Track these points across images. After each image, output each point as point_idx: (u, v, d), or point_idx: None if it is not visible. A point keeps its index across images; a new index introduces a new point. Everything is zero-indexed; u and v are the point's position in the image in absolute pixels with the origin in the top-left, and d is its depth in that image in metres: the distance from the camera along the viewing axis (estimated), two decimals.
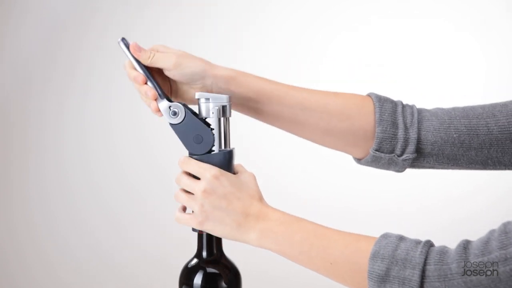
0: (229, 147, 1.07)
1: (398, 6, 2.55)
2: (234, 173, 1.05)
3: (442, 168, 1.15)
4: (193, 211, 1.03)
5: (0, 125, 2.68)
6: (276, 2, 2.63)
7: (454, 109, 1.14)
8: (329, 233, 0.99)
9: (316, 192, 2.57)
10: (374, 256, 0.94)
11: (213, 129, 1.05)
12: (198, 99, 1.06)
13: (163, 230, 2.57)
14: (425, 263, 0.92)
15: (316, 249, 0.97)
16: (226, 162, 1.04)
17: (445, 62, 2.55)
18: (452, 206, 2.54)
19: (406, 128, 1.12)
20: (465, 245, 0.91)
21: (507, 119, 1.10)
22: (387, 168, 1.15)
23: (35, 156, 2.69)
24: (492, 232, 0.91)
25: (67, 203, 2.67)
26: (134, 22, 2.65)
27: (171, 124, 1.05)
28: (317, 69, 2.60)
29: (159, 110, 1.06)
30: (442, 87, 2.54)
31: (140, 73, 1.08)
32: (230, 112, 1.06)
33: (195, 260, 1.07)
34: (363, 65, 2.57)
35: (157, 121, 2.73)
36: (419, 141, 1.12)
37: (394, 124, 1.12)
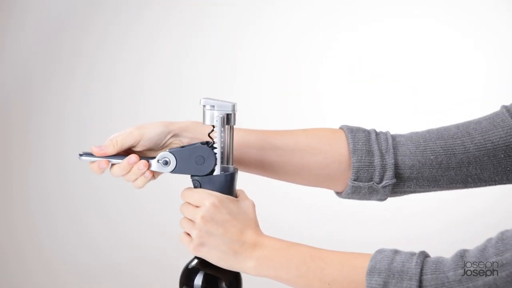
0: (232, 163, 1.06)
1: (398, 7, 2.55)
2: (236, 196, 1.06)
3: (423, 191, 1.15)
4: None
5: (0, 125, 2.68)
6: (276, 3, 2.62)
7: (428, 131, 1.14)
8: (324, 254, 0.99)
9: (313, 196, 2.57)
10: (371, 271, 0.95)
11: (214, 147, 1.05)
12: (204, 105, 1.05)
13: (163, 230, 2.57)
14: (421, 273, 0.92)
15: (313, 271, 0.98)
16: (227, 184, 1.04)
17: (445, 63, 2.55)
18: (448, 209, 2.54)
19: (382, 155, 1.12)
20: (462, 254, 0.92)
21: (482, 136, 1.10)
22: (369, 198, 1.15)
23: (35, 156, 2.69)
24: (489, 240, 0.92)
25: (67, 203, 2.67)
26: (134, 22, 2.65)
27: (173, 172, 1.06)
28: (317, 69, 2.60)
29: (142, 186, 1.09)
30: (442, 87, 2.54)
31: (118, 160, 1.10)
32: (234, 120, 1.06)
33: (195, 261, 1.07)
34: (362, 66, 2.57)
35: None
36: (396, 166, 1.12)
37: (369, 152, 1.12)
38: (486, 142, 1.10)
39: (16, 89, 2.67)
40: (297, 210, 2.57)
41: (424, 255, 0.95)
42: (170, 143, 1.10)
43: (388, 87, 2.56)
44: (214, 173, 1.05)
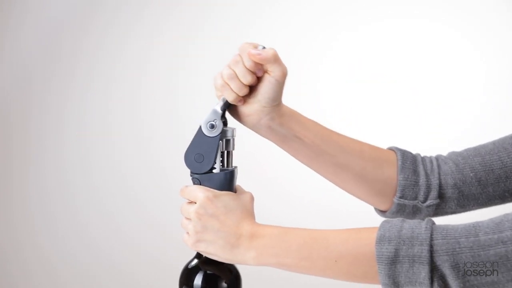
0: (232, 165, 1.06)
1: (398, 7, 2.55)
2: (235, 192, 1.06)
3: (463, 211, 1.18)
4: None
5: (0, 125, 2.68)
6: (276, 3, 2.63)
7: (466, 150, 1.18)
8: (325, 233, 0.99)
9: (314, 191, 2.57)
10: (381, 240, 0.94)
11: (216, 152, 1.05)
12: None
13: (163, 230, 2.57)
14: (432, 238, 0.92)
15: (317, 251, 0.98)
16: (226, 182, 1.05)
17: (445, 63, 2.55)
18: None
19: (427, 175, 1.15)
20: (475, 224, 0.92)
21: None
22: (412, 218, 1.17)
23: (35, 156, 2.69)
24: (506, 215, 0.92)
25: (67, 203, 2.67)
26: (134, 22, 2.65)
27: (200, 129, 1.05)
28: (317, 70, 2.60)
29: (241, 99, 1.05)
30: (442, 87, 2.54)
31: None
32: (233, 145, 1.07)
33: (195, 261, 1.07)
34: (362, 66, 2.57)
35: (157, 121, 2.74)
36: (440, 186, 1.15)
37: (416, 172, 1.16)
38: None
39: (16, 89, 2.67)
40: (296, 210, 2.57)
41: (432, 222, 0.95)
42: (260, 112, 1.08)
43: (388, 87, 2.56)
44: (214, 171, 1.05)
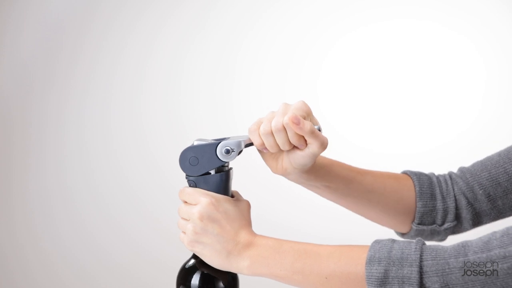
0: (227, 167, 1.07)
1: (397, 7, 2.55)
2: (231, 196, 1.05)
3: (477, 227, 1.21)
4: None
5: (0, 126, 2.68)
6: (276, 5, 2.62)
7: (473, 165, 1.20)
8: (319, 249, 1.00)
9: (311, 195, 2.57)
10: (371, 260, 0.94)
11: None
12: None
13: (163, 230, 2.57)
14: (421, 259, 0.92)
15: (310, 266, 0.98)
16: (223, 183, 1.04)
17: (445, 63, 2.55)
18: None
19: (443, 199, 1.18)
20: (464, 244, 0.92)
21: None
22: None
23: (35, 156, 2.69)
24: (493, 233, 0.93)
25: (67, 203, 2.67)
26: (134, 22, 2.65)
27: (214, 145, 1.04)
28: (317, 71, 2.60)
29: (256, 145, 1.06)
30: (442, 87, 2.54)
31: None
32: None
33: (192, 261, 1.07)
34: (362, 68, 2.57)
35: (157, 122, 2.74)
36: (456, 208, 1.18)
37: (433, 196, 1.18)
38: None
39: (16, 89, 2.67)
40: (294, 210, 2.57)
41: (422, 242, 0.95)
42: (295, 168, 1.09)
43: (388, 88, 2.56)
44: (209, 173, 1.05)
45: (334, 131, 2.52)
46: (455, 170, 1.23)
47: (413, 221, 1.18)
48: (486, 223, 1.19)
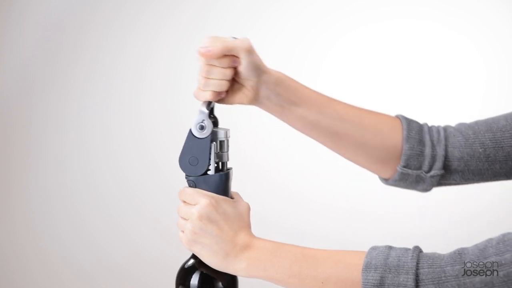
0: (227, 167, 1.07)
1: (397, 7, 2.55)
2: (231, 197, 1.05)
3: (467, 183, 1.17)
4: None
5: (0, 126, 2.68)
6: (276, 5, 2.62)
7: (476, 123, 1.16)
8: (317, 253, 0.99)
9: (313, 193, 2.57)
10: (367, 267, 0.94)
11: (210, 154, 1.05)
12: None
13: (164, 230, 2.57)
14: (417, 267, 0.92)
15: (306, 270, 0.98)
16: (222, 184, 1.04)
17: (445, 63, 2.55)
18: (447, 209, 2.54)
19: (433, 146, 1.14)
20: (460, 251, 0.92)
21: None
22: (414, 187, 1.17)
23: (35, 156, 2.69)
24: (489, 240, 0.92)
25: (67, 203, 2.67)
26: (134, 22, 2.65)
27: (190, 133, 1.05)
28: (317, 71, 2.60)
29: (200, 100, 1.05)
30: (442, 88, 2.54)
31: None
32: (227, 147, 1.07)
33: (191, 261, 1.07)
34: (362, 68, 2.57)
35: (157, 122, 2.73)
36: (446, 157, 1.14)
37: (421, 142, 1.14)
38: None
39: (16, 89, 2.67)
40: (293, 209, 2.57)
41: (419, 250, 0.95)
42: (249, 86, 1.08)
43: (388, 88, 2.56)
44: (209, 173, 1.05)
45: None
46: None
47: (397, 164, 1.15)
48: (478, 182, 1.16)
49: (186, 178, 1.06)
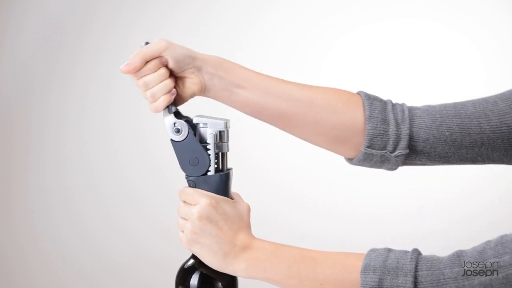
0: (227, 168, 1.07)
1: (397, 7, 2.55)
2: (231, 198, 1.05)
3: (432, 165, 1.15)
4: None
5: (0, 126, 2.68)
6: (276, 5, 2.62)
7: (445, 107, 1.14)
8: (316, 255, 0.99)
9: (312, 193, 2.57)
10: (366, 269, 0.94)
11: (210, 154, 1.05)
12: (197, 123, 1.06)
13: (163, 230, 2.57)
14: (416, 269, 0.92)
15: (305, 271, 0.98)
16: (222, 184, 1.04)
17: (445, 63, 2.54)
18: (446, 209, 2.54)
19: (397, 124, 1.11)
20: (459, 254, 0.92)
21: (499, 119, 1.10)
22: (380, 167, 1.14)
23: (35, 156, 2.69)
24: (488, 242, 0.92)
25: (67, 203, 2.67)
26: (134, 22, 2.65)
27: (172, 141, 1.06)
28: (317, 71, 2.59)
29: (159, 110, 1.06)
30: (442, 88, 2.54)
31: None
32: (227, 137, 1.06)
33: (191, 261, 1.07)
34: (362, 68, 2.57)
35: (157, 122, 2.73)
36: (411, 137, 1.12)
37: (385, 121, 1.12)
38: (502, 125, 1.10)
39: (16, 89, 2.67)
40: (291, 208, 2.57)
41: (417, 252, 0.95)
42: (189, 75, 1.09)
43: (388, 87, 2.56)
44: (209, 174, 1.05)
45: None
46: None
47: (361, 143, 1.12)
48: (444, 164, 1.14)
49: (186, 178, 1.06)
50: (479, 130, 1.11)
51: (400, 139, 1.11)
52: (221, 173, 1.05)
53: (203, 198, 1.02)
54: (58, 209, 2.66)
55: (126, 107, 2.66)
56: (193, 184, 1.05)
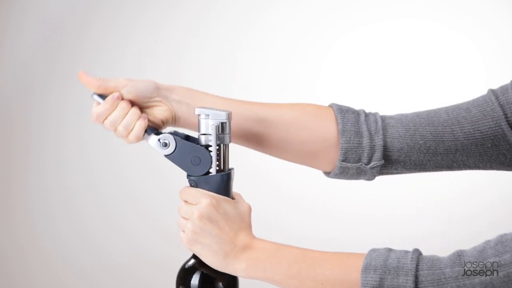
0: (228, 167, 1.06)
1: (397, 7, 2.55)
2: (232, 198, 1.05)
3: (408, 173, 1.15)
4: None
5: (0, 126, 2.68)
6: (276, 5, 2.62)
7: (418, 115, 1.16)
8: (317, 255, 0.99)
9: (312, 194, 2.57)
10: (366, 268, 0.94)
11: (211, 150, 1.04)
12: (198, 115, 1.05)
13: (164, 230, 2.57)
14: (417, 269, 0.92)
15: (306, 272, 0.98)
16: (223, 184, 1.04)
17: (445, 64, 2.54)
18: (446, 210, 2.54)
19: (371, 136, 1.12)
20: (459, 253, 0.92)
21: (472, 125, 1.12)
22: (356, 178, 1.16)
23: (35, 156, 2.69)
24: (487, 242, 0.92)
25: (67, 203, 2.67)
26: (134, 22, 2.65)
27: (166, 156, 1.06)
28: (317, 71, 2.59)
29: (140, 137, 1.08)
30: (442, 88, 2.54)
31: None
32: (229, 128, 1.06)
33: (192, 261, 1.07)
34: (362, 68, 2.57)
35: None
36: (385, 148, 1.12)
37: (358, 133, 1.12)
38: (475, 132, 1.11)
39: (16, 89, 2.67)
40: (290, 210, 2.57)
41: (418, 252, 0.95)
42: (157, 103, 1.10)
43: (388, 87, 2.56)
44: (210, 173, 1.05)
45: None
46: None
47: (336, 157, 1.13)
48: (420, 171, 1.14)
49: (187, 177, 1.06)
50: (453, 137, 1.12)
51: (375, 150, 1.12)
52: (223, 173, 1.05)
53: (204, 198, 1.02)
54: (58, 209, 2.66)
55: None
56: (194, 183, 1.05)
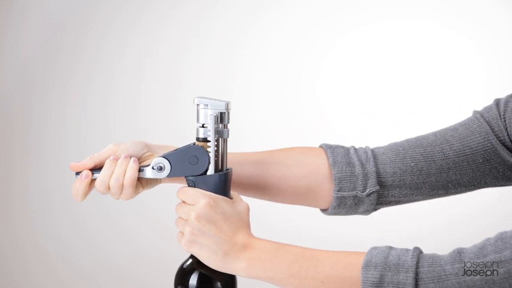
0: (226, 167, 1.06)
1: (397, 7, 2.55)
2: (230, 197, 1.05)
3: (408, 201, 1.17)
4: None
5: (0, 126, 2.68)
6: (276, 5, 2.62)
7: (407, 140, 1.17)
8: (317, 253, 0.99)
9: None
10: (367, 265, 0.94)
11: (209, 152, 1.04)
12: (198, 104, 1.05)
13: (163, 230, 2.57)
14: (417, 266, 0.92)
15: (306, 270, 0.98)
16: (221, 184, 1.04)
17: (446, 64, 2.55)
18: (446, 210, 2.54)
19: (362, 165, 1.14)
20: (459, 251, 0.93)
21: (461, 142, 1.13)
22: (355, 210, 1.16)
23: (35, 156, 2.69)
24: (487, 239, 0.93)
25: (67, 203, 2.67)
26: (134, 23, 2.65)
27: (169, 176, 1.06)
28: (317, 71, 2.60)
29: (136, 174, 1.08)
30: (442, 88, 2.54)
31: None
32: (228, 119, 1.05)
33: (190, 261, 1.06)
34: (362, 69, 2.57)
35: (157, 121, 2.74)
36: (378, 174, 1.14)
37: (350, 164, 1.14)
38: (465, 148, 1.13)
39: (16, 89, 2.67)
40: (290, 209, 2.57)
41: (419, 250, 0.95)
42: (146, 157, 1.11)
43: (388, 87, 2.56)
44: (208, 173, 1.04)
45: (334, 131, 2.52)
46: None
47: (331, 192, 1.14)
48: (418, 197, 1.16)
49: (186, 178, 1.05)
50: (443, 155, 1.13)
51: (368, 177, 1.13)
52: (220, 172, 1.04)
53: (201, 198, 1.02)
54: (58, 209, 2.66)
55: (126, 107, 2.66)
56: (192, 184, 1.05)
